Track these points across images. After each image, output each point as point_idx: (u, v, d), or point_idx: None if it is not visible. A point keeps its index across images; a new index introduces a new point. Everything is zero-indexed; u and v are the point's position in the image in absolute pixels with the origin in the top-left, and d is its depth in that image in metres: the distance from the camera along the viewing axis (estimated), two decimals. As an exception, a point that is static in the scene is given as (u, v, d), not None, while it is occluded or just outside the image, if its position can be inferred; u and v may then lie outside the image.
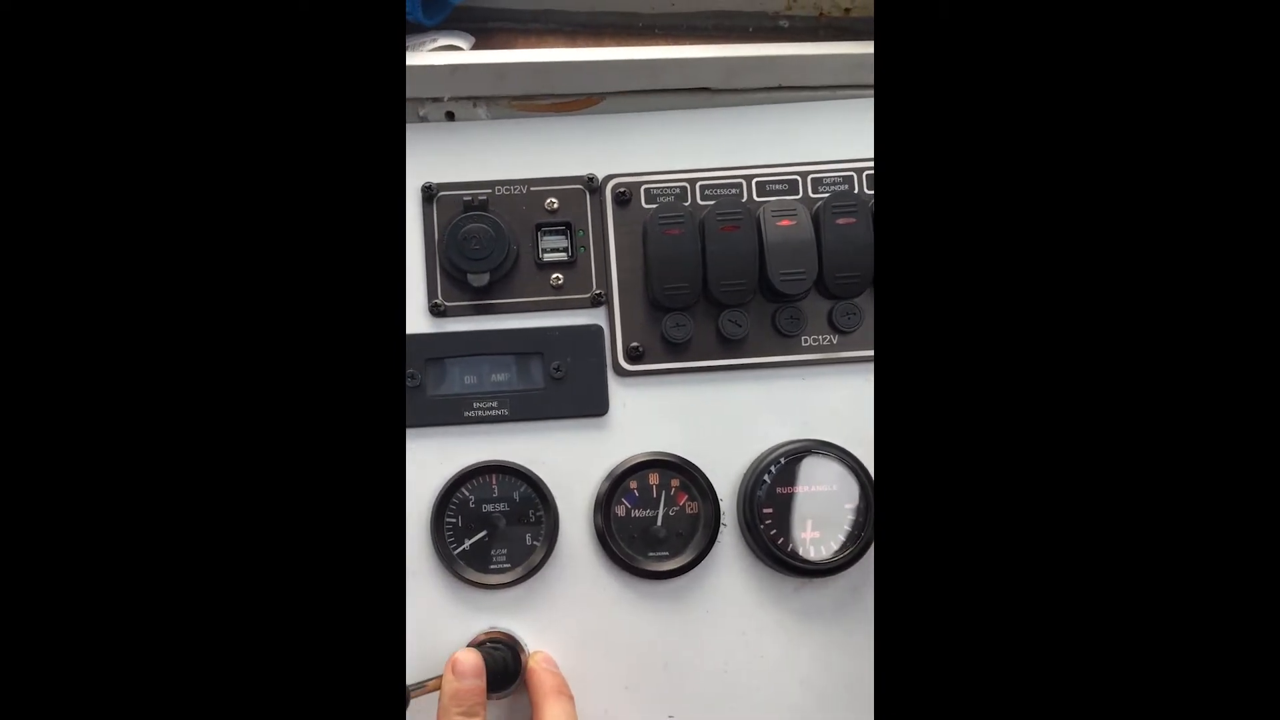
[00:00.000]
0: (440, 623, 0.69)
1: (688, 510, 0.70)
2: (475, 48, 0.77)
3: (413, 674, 0.68)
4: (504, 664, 0.66)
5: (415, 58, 0.70)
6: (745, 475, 0.69)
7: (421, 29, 0.76)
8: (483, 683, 0.62)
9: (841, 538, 0.69)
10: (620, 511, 0.70)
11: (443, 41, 0.75)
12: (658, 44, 0.75)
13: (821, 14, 0.80)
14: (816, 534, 0.68)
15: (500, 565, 0.70)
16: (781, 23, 0.81)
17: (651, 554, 0.70)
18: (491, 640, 0.67)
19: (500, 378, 0.72)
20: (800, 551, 0.68)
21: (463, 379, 0.72)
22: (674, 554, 0.70)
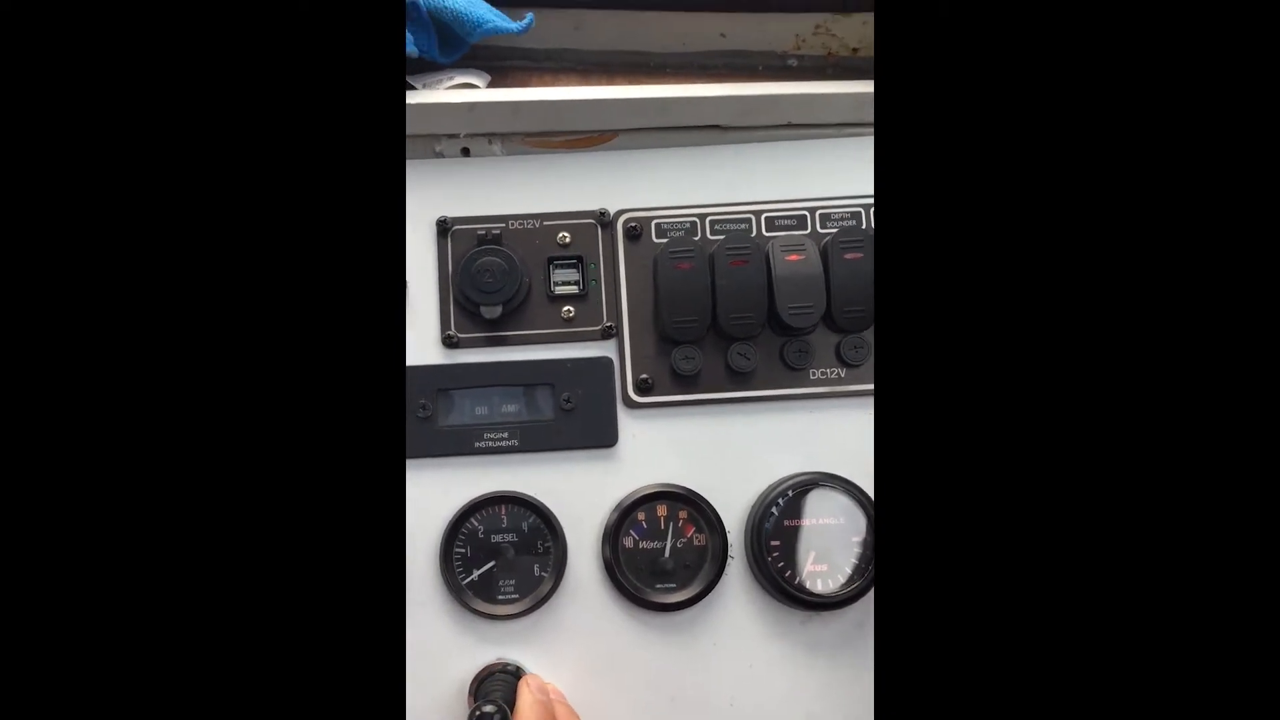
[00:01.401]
0: (447, 653, 0.69)
1: (695, 542, 0.70)
2: (491, 85, 0.78)
3: (420, 703, 0.68)
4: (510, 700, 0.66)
5: (432, 95, 0.72)
6: (753, 507, 0.70)
7: (438, 67, 0.78)
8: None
9: (848, 571, 0.69)
10: (628, 543, 0.70)
11: (459, 79, 0.76)
12: (669, 82, 0.77)
13: (830, 54, 0.82)
14: (823, 567, 0.69)
15: (508, 596, 0.70)
16: (790, 62, 0.82)
17: (659, 586, 0.70)
18: (501, 670, 0.68)
19: (511, 408, 0.72)
20: (807, 585, 0.68)
21: (474, 410, 0.72)
22: (681, 586, 0.70)
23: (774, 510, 0.68)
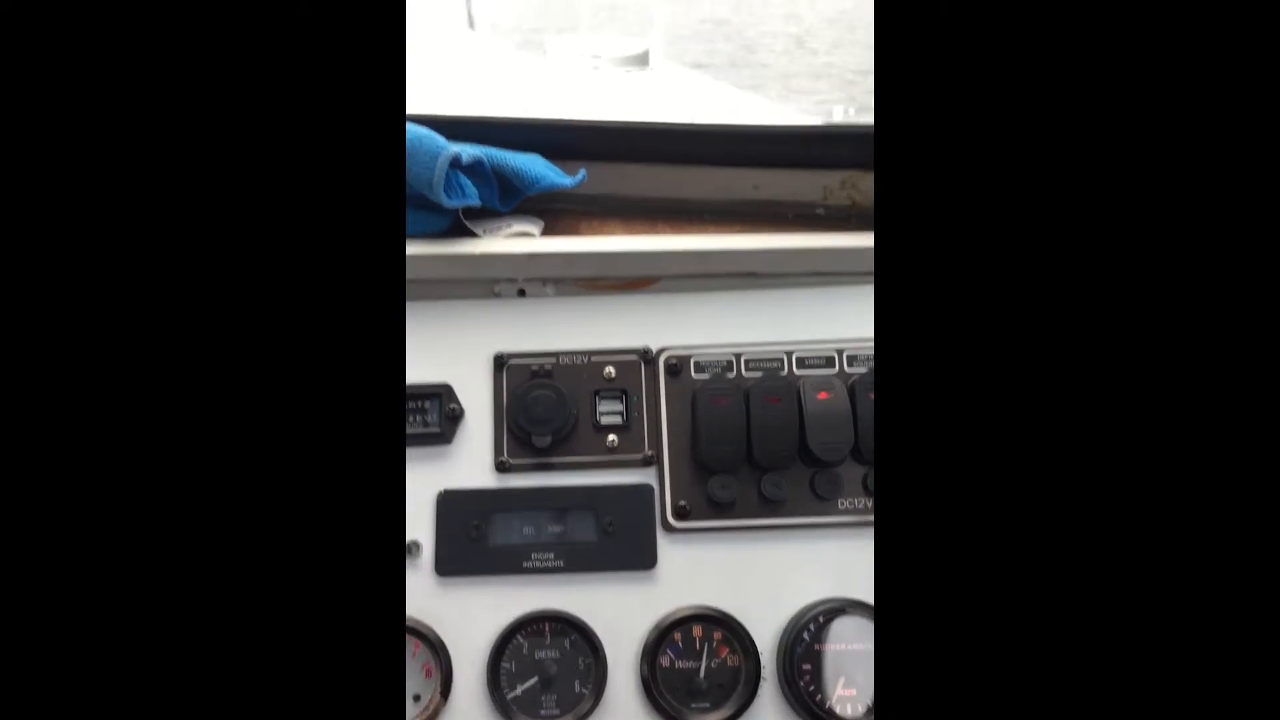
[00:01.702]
0: (493, 767, 0.73)
1: (729, 663, 0.74)
2: (544, 231, 0.86)
3: None
4: None
5: (494, 244, 0.80)
6: (785, 631, 0.74)
7: (497, 214, 0.86)
8: None
9: (874, 696, 0.72)
10: (665, 662, 0.74)
11: (517, 227, 0.85)
12: (707, 230, 0.84)
13: (854, 204, 0.89)
14: (851, 691, 0.72)
15: (550, 712, 0.74)
16: (819, 210, 0.90)
17: (694, 705, 0.73)
18: None
19: (557, 530, 0.78)
20: (836, 709, 0.71)
21: (522, 530, 0.78)
22: (716, 706, 0.73)
23: (805, 635, 0.72)
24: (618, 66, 1.95)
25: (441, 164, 0.77)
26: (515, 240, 0.81)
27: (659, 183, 0.89)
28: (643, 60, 1.99)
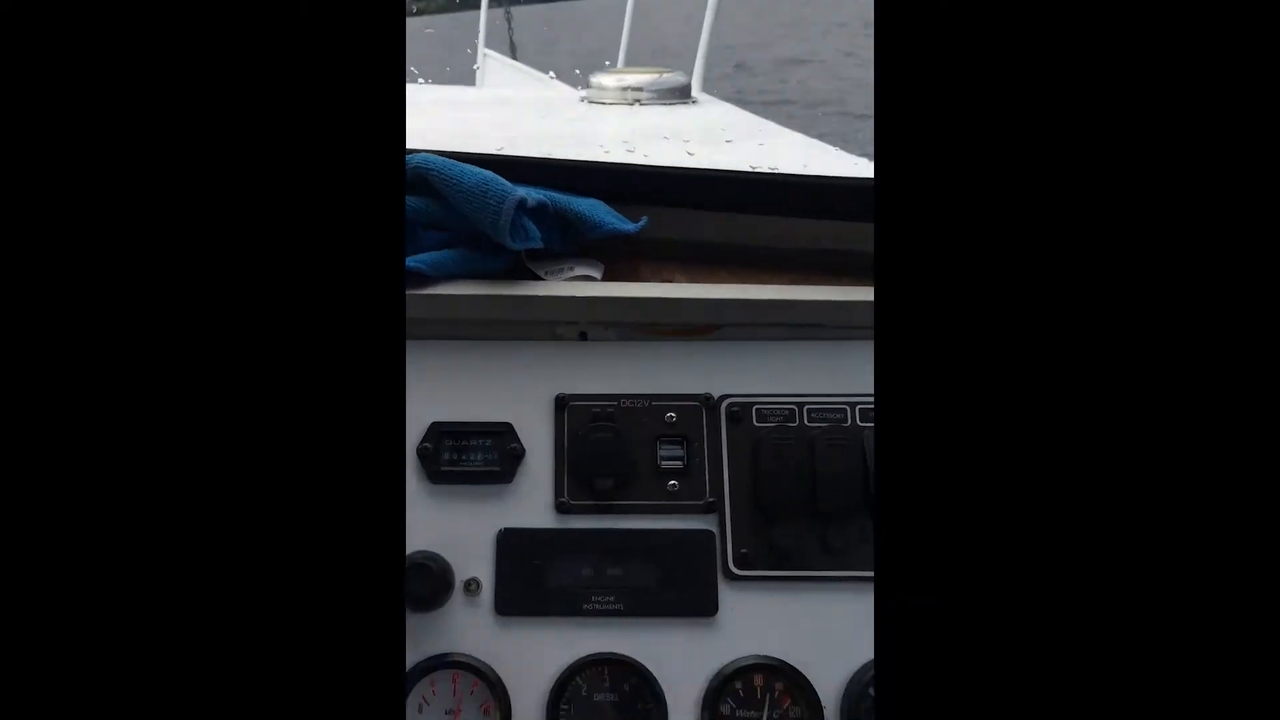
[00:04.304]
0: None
1: (791, 713, 0.74)
2: (605, 275, 0.87)
3: None
4: None
5: (556, 288, 0.81)
6: (849, 684, 0.73)
7: (558, 255, 0.87)
8: None
9: (939, 749, 0.71)
10: (725, 710, 0.74)
11: (579, 270, 0.86)
12: (768, 279, 0.85)
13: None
14: (916, 746, 0.71)
15: (611, 758, 0.74)
16: (876, 257, 0.90)
17: (755, 755, 0.73)
18: None
19: (617, 573, 0.78)
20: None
21: (581, 572, 0.78)
22: (777, 757, 0.73)
23: (872, 690, 0.72)
24: (658, 101, 1.97)
25: (508, 208, 0.78)
26: (577, 284, 0.82)
27: (720, 227, 0.90)
28: (684, 93, 2.01)
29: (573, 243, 0.88)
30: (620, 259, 0.91)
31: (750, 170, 0.87)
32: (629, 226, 0.85)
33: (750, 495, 0.78)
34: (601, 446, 0.78)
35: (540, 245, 0.83)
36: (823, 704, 0.73)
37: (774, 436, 0.76)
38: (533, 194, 0.81)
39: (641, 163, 0.88)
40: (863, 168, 1.35)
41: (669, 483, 0.79)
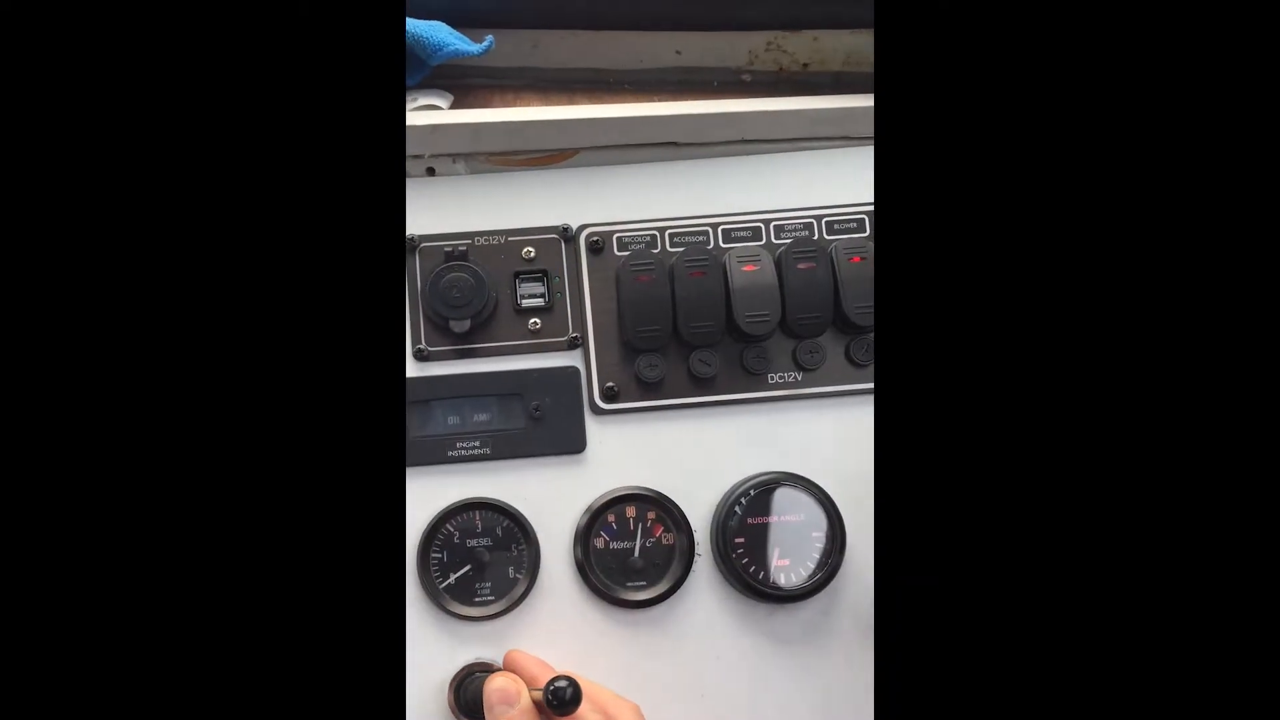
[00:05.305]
0: (428, 655, 0.72)
1: (664, 541, 0.74)
2: (454, 105, 0.81)
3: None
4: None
5: (397, 117, 0.74)
6: (718, 507, 0.73)
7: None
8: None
9: (810, 565, 0.72)
10: (599, 544, 0.73)
11: (423, 101, 0.79)
12: (627, 99, 0.80)
13: (781, 69, 0.85)
14: (786, 562, 0.72)
15: (484, 598, 0.73)
16: (744, 77, 0.86)
17: (629, 584, 0.73)
18: (481, 669, 0.70)
19: (482, 418, 0.75)
20: (772, 579, 0.71)
21: (446, 420, 0.75)
22: (651, 584, 0.73)
23: (737, 509, 0.71)
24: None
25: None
26: (419, 113, 0.76)
27: (574, 50, 0.84)
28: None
29: (417, 73, 0.80)
30: (472, 92, 0.85)
31: None
32: (473, 48, 0.78)
33: (614, 328, 0.75)
34: (456, 287, 0.73)
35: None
36: (693, 528, 0.73)
37: (634, 265, 0.73)
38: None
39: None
40: None
41: (530, 321, 0.75)
